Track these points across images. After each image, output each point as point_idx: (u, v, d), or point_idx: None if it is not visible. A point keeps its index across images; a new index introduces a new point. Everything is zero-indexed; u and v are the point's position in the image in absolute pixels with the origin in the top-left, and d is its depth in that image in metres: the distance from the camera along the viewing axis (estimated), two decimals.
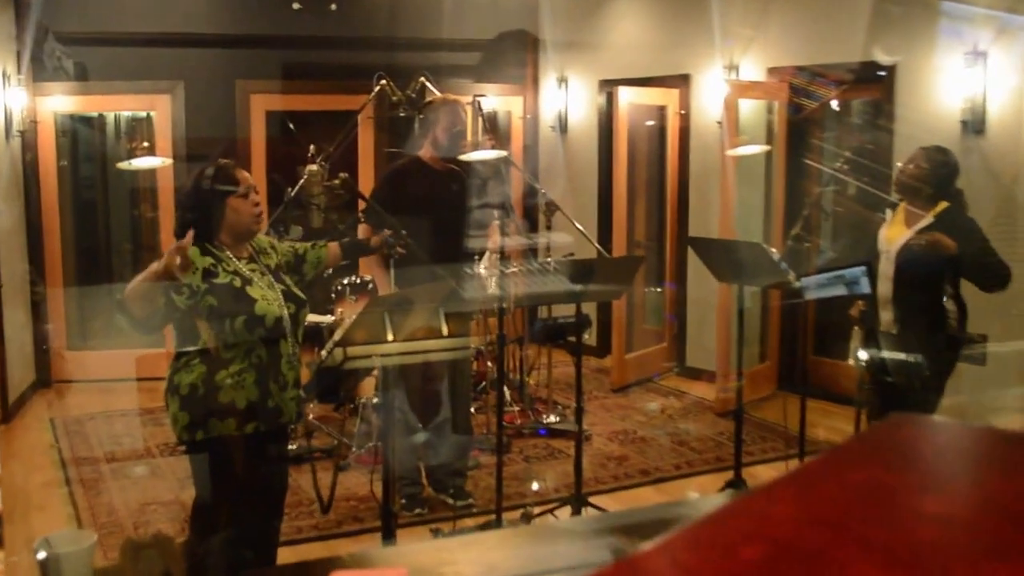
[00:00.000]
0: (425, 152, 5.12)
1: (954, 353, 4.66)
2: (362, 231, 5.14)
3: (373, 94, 6.49)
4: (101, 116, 8.66)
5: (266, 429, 3.52)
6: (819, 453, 1.06)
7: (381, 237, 4.17)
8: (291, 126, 7.79)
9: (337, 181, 4.71)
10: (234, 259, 3.54)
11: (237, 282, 3.47)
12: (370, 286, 6.01)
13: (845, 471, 0.94)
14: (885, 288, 4.71)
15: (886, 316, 4.73)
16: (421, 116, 5.18)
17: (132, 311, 3.28)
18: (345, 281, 6.22)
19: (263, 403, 3.48)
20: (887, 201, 4.97)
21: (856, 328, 4.72)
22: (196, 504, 3.66)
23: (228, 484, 3.51)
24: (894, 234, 4.73)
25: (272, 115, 8.27)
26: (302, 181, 5.66)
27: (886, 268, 4.69)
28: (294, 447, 5.84)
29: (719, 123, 7.11)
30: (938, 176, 4.63)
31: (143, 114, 8.33)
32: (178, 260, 3.15)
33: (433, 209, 4.98)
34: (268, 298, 3.51)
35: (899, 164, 4.81)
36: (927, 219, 4.63)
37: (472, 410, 6.38)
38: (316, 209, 6.04)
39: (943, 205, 4.64)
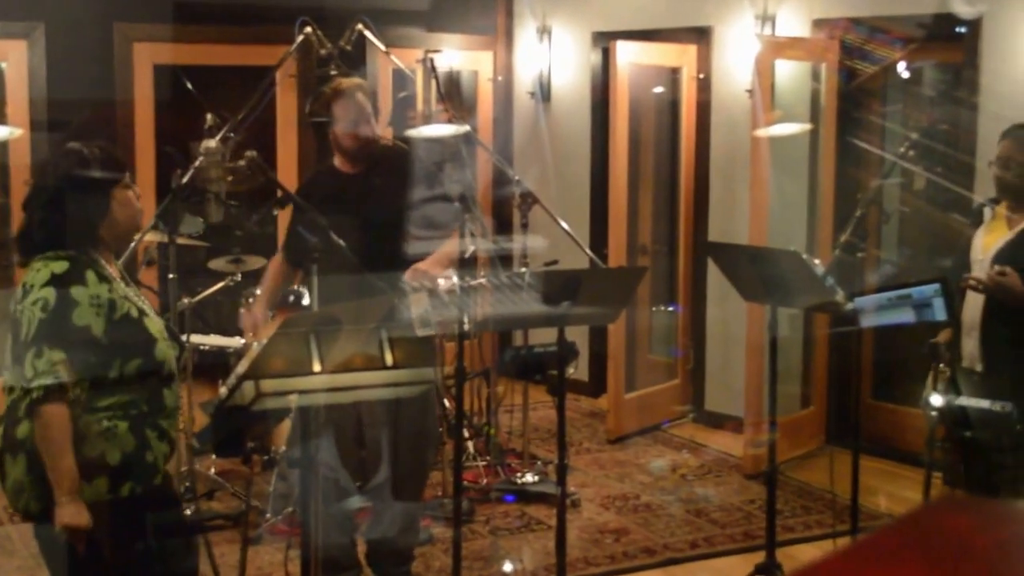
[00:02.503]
0: (339, 161, 5.20)
1: None
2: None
3: (295, 46, 6.48)
4: None
5: (142, 491, 3.49)
6: (860, 536, 1.06)
7: None
8: (188, 85, 7.75)
9: (243, 162, 4.70)
10: (116, 279, 3.52)
11: (133, 311, 3.45)
12: (291, 298, 5.95)
13: (868, 570, 0.94)
14: (973, 308, 4.73)
15: (969, 346, 4.75)
16: (314, 120, 5.23)
17: None
18: (259, 292, 6.16)
19: (139, 456, 3.45)
20: (966, 199, 5.01)
21: (936, 367, 4.72)
22: None
23: (113, 563, 3.47)
24: (992, 238, 4.79)
25: (162, 70, 8.22)
26: (197, 162, 5.65)
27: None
28: (188, 512, 5.80)
29: (749, 92, 7.14)
30: None
31: None
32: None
33: (354, 227, 4.99)
34: (164, 336, 3.50)
35: (992, 158, 4.84)
36: None
37: None
38: (214, 198, 6.02)
39: None
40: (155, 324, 3.51)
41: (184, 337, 5.32)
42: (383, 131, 5.16)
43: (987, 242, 4.78)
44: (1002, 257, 4.67)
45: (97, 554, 3.44)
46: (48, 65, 7.93)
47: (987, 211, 4.88)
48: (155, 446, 3.49)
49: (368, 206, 5.02)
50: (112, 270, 3.53)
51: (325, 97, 5.22)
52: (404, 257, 4.99)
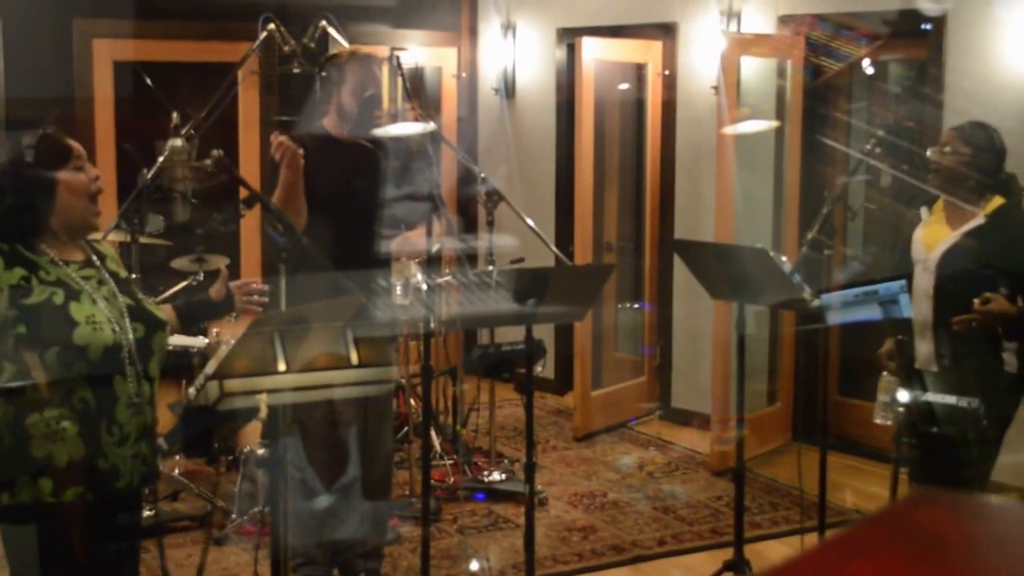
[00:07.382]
0: (329, 122, 5.15)
1: (1017, 396, 4.77)
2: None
3: (258, 43, 6.50)
4: None
5: (97, 497, 3.49)
6: (833, 533, 1.09)
7: (228, 288, 4.08)
8: (149, 83, 7.74)
9: (208, 160, 4.72)
10: (59, 263, 3.50)
11: (58, 297, 3.41)
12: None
13: (849, 564, 0.96)
14: (923, 310, 4.78)
15: (924, 348, 4.81)
16: (323, 74, 5.22)
17: None
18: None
19: (92, 461, 3.44)
20: (932, 196, 5.07)
21: (885, 373, 4.76)
22: None
23: (58, 566, 3.48)
24: (934, 237, 4.81)
25: (123, 68, 8.20)
26: (162, 160, 5.66)
27: (924, 283, 4.77)
28: (151, 513, 5.80)
29: (714, 89, 7.19)
30: (981, 161, 4.73)
31: None
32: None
33: (338, 199, 5.00)
34: (97, 320, 3.45)
35: (932, 149, 4.90)
36: (978, 219, 4.72)
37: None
38: (180, 197, 6.04)
39: (998, 201, 4.73)
40: (85, 308, 3.43)
41: None
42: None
43: (929, 241, 4.79)
44: (948, 260, 4.69)
45: (60, 553, 3.46)
46: (5, 62, 7.90)
47: (923, 210, 4.92)
48: (110, 450, 3.47)
49: (356, 186, 5.06)
50: (56, 255, 3.52)
51: (340, 57, 5.24)
52: (376, 250, 5.03)
